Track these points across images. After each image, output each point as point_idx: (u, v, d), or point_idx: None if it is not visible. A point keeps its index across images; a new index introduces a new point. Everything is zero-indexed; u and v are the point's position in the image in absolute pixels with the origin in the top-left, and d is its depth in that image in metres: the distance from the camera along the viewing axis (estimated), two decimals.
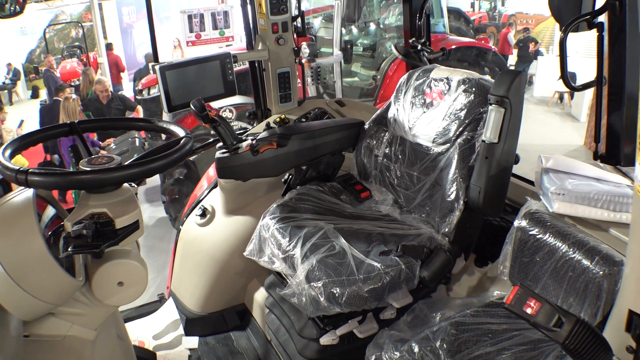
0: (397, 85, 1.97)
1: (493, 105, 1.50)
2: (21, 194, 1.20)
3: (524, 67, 10.87)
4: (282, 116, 2.36)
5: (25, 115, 8.22)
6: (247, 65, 2.63)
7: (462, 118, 1.68)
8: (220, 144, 1.91)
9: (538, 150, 1.84)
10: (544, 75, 10.47)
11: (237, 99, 5.46)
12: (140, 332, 2.37)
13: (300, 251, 1.58)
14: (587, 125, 7.90)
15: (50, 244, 1.17)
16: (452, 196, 1.61)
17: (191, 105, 1.75)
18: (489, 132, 1.51)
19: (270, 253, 1.73)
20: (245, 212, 2.20)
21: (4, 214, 1.15)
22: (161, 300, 2.94)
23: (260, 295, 2.15)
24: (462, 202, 1.60)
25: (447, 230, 1.63)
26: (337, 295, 1.45)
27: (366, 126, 2.05)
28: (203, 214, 2.27)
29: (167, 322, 2.39)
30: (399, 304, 1.52)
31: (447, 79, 1.79)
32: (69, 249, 1.08)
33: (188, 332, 2.28)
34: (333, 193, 1.97)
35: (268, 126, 2.23)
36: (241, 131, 2.63)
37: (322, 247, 1.58)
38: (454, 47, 7.53)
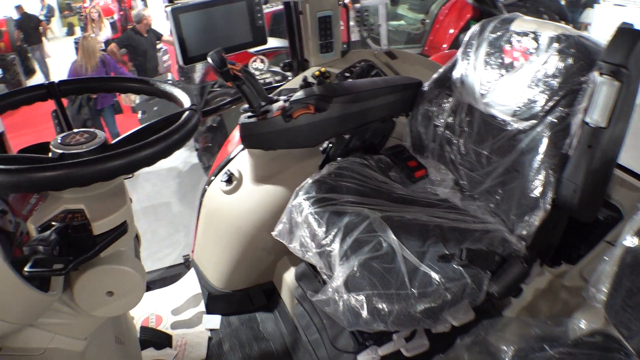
0: (467, 38, 1.58)
1: (605, 76, 1.12)
2: None
3: (572, 14, 9.87)
4: (322, 69, 2.02)
5: (60, 52, 8.04)
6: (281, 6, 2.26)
7: (554, 88, 1.29)
8: (246, 105, 1.59)
9: None
10: (603, 25, 9.50)
11: (271, 42, 5.07)
12: (158, 305, 2.17)
13: (340, 248, 1.28)
14: None
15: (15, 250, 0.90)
16: (537, 191, 1.25)
17: (208, 59, 1.42)
18: (596, 113, 1.13)
19: (302, 242, 1.44)
20: (276, 182, 1.90)
21: None
22: (186, 264, 2.76)
23: (291, 275, 1.89)
24: (549, 199, 1.24)
25: (525, 232, 1.29)
26: (382, 311, 1.15)
27: (425, 88, 1.67)
28: (229, 180, 1.99)
29: (188, 296, 2.18)
30: (458, 321, 1.21)
31: (534, 33, 1.39)
32: (25, 269, 0.80)
33: (210, 310, 2.06)
34: (380, 169, 1.64)
35: (305, 82, 1.89)
36: (275, 84, 2.29)
37: (367, 244, 1.27)
38: None
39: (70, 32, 14.45)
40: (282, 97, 1.63)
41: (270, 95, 1.65)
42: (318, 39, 2.09)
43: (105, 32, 7.33)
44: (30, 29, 10.49)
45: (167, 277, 2.70)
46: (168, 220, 5.41)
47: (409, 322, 1.15)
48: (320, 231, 1.35)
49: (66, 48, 10.54)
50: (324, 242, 1.32)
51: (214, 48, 1.47)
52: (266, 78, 4.36)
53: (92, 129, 0.96)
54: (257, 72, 4.20)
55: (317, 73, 2.04)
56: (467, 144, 1.54)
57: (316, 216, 1.40)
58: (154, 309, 2.14)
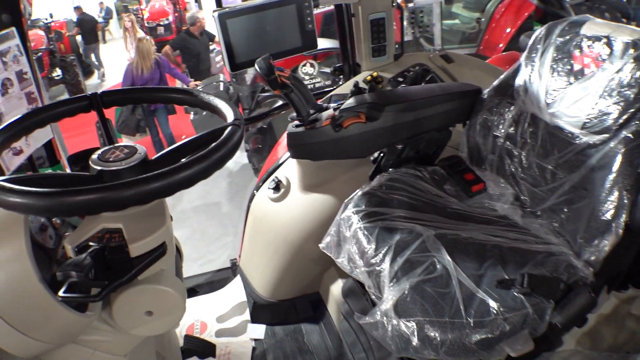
0: (531, 42, 1.47)
1: None
2: None
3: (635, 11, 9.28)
4: (374, 74, 1.95)
5: (117, 53, 8.27)
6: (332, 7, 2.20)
7: (630, 99, 1.17)
8: (294, 113, 1.53)
9: None
10: None
11: (322, 43, 4.99)
12: (204, 312, 2.16)
13: (390, 268, 1.20)
14: None
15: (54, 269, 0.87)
16: (608, 214, 1.13)
17: (256, 67, 1.37)
18: None
19: (350, 257, 1.37)
20: (324, 191, 1.85)
21: None
22: (233, 268, 2.75)
23: (338, 288, 1.83)
24: (622, 223, 1.12)
25: (593, 258, 1.17)
26: (434, 340, 1.07)
27: (484, 95, 1.57)
28: (277, 188, 1.95)
29: (234, 304, 2.15)
30: (516, 352, 1.11)
31: (607, 38, 1.27)
32: (59, 293, 0.77)
33: (254, 319, 2.03)
34: (435, 181, 1.55)
35: (356, 87, 1.82)
36: (325, 89, 2.23)
37: (419, 265, 1.19)
38: None
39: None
40: (331, 105, 1.57)
41: (319, 102, 1.59)
42: (370, 42, 2.02)
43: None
44: (87, 29, 10.89)
45: (214, 282, 2.69)
46: (218, 221, 5.44)
47: (462, 353, 1.06)
48: (370, 248, 1.28)
49: (124, 49, 10.88)
50: (373, 260, 1.25)
51: (262, 54, 1.42)
52: (316, 83, 4.29)
53: (132, 144, 0.93)
54: (306, 77, 4.14)
55: (368, 78, 1.96)
56: (529, 157, 1.43)
57: (365, 232, 1.33)
58: (199, 315, 2.13)
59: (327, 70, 4.46)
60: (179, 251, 1.20)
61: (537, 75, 1.41)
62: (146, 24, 10.91)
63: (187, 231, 5.23)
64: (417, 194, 1.48)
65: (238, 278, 2.24)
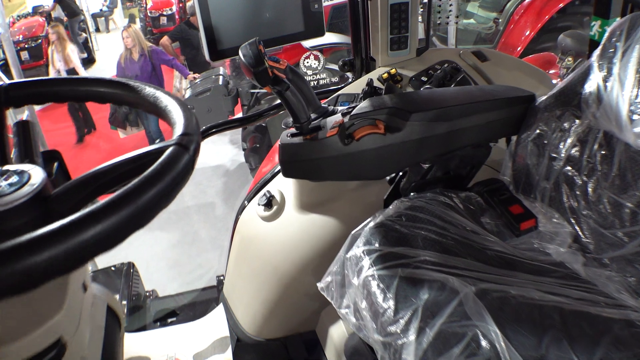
0: (606, 38, 1.11)
1: None
2: None
3: None
4: (392, 71, 1.60)
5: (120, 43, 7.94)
6: None
7: None
8: (290, 117, 1.18)
9: None
10: None
11: (329, 38, 4.61)
12: (179, 345, 1.82)
13: (416, 345, 0.86)
14: None
15: None
16: None
17: (240, 54, 1.02)
18: None
19: (357, 310, 1.03)
20: (326, 211, 1.51)
21: None
22: (220, 287, 2.43)
23: (339, 332, 1.49)
24: None
25: None
26: None
27: (539, 104, 1.22)
28: (268, 204, 1.61)
29: (215, 338, 1.82)
30: None
31: None
32: None
33: (238, 359, 1.69)
34: (470, 212, 1.20)
35: (370, 87, 1.47)
36: (332, 87, 1.87)
37: (457, 340, 0.85)
38: None
39: (132, 23, 14.63)
40: (339, 108, 1.22)
41: (323, 104, 1.23)
42: (389, 32, 1.66)
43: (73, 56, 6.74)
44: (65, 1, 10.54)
45: (196, 304, 2.36)
46: (211, 224, 5.14)
47: None
48: (387, 309, 0.94)
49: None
50: (392, 329, 0.90)
51: (250, 39, 1.07)
52: (320, 79, 3.85)
53: (31, 165, 0.58)
54: (309, 73, 3.71)
55: (385, 76, 1.62)
56: (599, 189, 1.09)
57: (381, 283, 0.98)
58: (173, 350, 1.80)
59: (334, 67, 4.05)
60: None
61: (617, 81, 1.06)
62: (149, 14, 10.59)
63: (177, 233, 4.93)
64: (448, 229, 1.13)
65: (221, 308, 1.90)
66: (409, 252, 1.05)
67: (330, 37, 4.70)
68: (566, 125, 1.14)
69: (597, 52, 1.12)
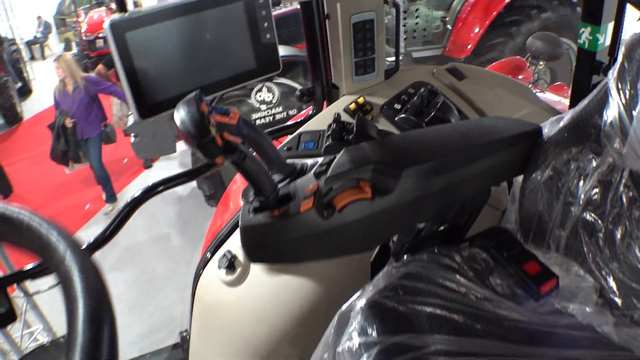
0: (623, 52, 0.92)
1: None
2: None
3: None
4: (360, 99, 1.38)
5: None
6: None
7: None
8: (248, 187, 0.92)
9: None
10: None
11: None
12: None
13: None
14: None
15: None
16: None
17: (176, 120, 0.76)
18: None
19: None
20: (299, 271, 1.28)
21: None
22: (184, 347, 2.17)
23: None
24: None
25: None
26: None
27: (546, 137, 1.01)
28: (230, 266, 1.36)
29: None
30: None
31: None
32: None
33: None
34: (476, 273, 0.98)
35: (338, 124, 1.25)
36: (288, 123, 1.63)
37: None
38: None
39: (68, 48, 13.99)
40: (308, 162, 0.98)
41: (290, 160, 0.99)
42: (353, 55, 1.43)
43: None
44: None
45: None
46: (168, 256, 4.82)
47: None
48: None
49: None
50: None
51: (189, 85, 0.82)
52: (277, 114, 3.43)
53: None
54: (262, 108, 3.32)
55: (352, 106, 1.39)
56: (627, 237, 0.90)
57: None
58: None
59: (288, 82, 3.70)
60: None
61: None
62: (84, 37, 10.07)
63: (133, 271, 4.61)
64: (455, 299, 0.92)
65: None
66: (416, 341, 0.83)
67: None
68: (583, 164, 0.95)
69: (613, 72, 0.93)
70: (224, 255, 1.37)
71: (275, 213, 0.84)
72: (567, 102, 1.52)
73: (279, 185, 0.93)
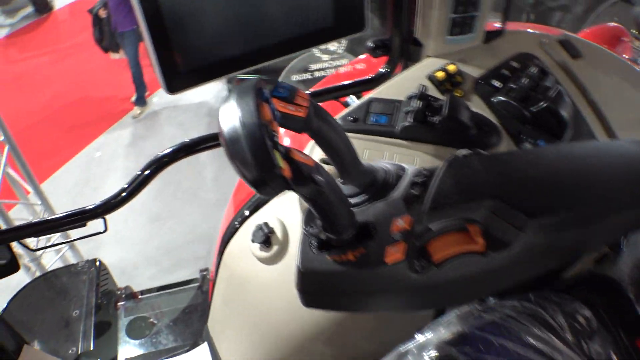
0: None
1: None
2: None
3: None
4: (451, 67, 1.13)
5: None
6: None
7: None
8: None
9: None
10: None
11: None
12: None
13: None
14: None
15: None
16: None
17: (221, 121, 0.51)
18: None
19: None
20: None
21: None
22: (201, 286, 2.11)
23: None
24: None
25: None
26: None
27: None
28: (267, 241, 1.18)
29: None
30: None
31: None
32: None
33: None
34: (575, 334, 0.78)
35: (422, 95, 1.01)
36: (359, 82, 1.36)
37: None
38: None
39: None
40: (390, 167, 0.75)
41: (366, 162, 0.75)
42: (452, 7, 1.14)
43: None
44: None
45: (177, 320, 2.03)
46: (195, 171, 4.71)
47: None
48: None
49: None
50: None
51: (239, 47, 0.58)
52: (339, 66, 2.75)
53: None
54: (325, 58, 2.71)
55: (440, 75, 1.13)
56: None
57: None
58: None
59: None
60: None
61: None
62: None
63: (157, 182, 4.53)
64: None
65: (205, 348, 1.52)
66: None
67: None
68: None
69: None
70: (260, 228, 1.19)
71: (350, 257, 0.62)
72: None
73: (353, 202, 0.71)
